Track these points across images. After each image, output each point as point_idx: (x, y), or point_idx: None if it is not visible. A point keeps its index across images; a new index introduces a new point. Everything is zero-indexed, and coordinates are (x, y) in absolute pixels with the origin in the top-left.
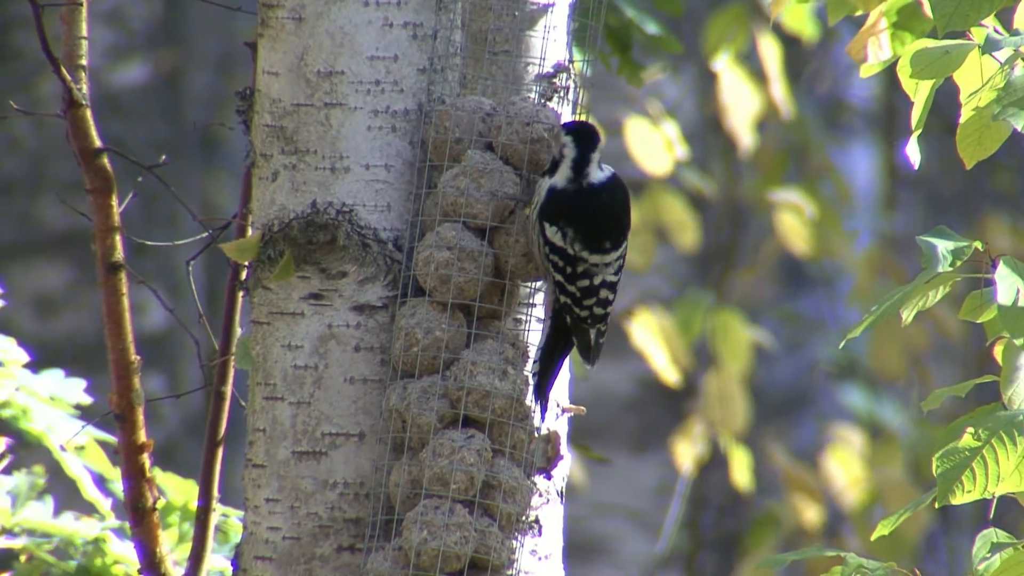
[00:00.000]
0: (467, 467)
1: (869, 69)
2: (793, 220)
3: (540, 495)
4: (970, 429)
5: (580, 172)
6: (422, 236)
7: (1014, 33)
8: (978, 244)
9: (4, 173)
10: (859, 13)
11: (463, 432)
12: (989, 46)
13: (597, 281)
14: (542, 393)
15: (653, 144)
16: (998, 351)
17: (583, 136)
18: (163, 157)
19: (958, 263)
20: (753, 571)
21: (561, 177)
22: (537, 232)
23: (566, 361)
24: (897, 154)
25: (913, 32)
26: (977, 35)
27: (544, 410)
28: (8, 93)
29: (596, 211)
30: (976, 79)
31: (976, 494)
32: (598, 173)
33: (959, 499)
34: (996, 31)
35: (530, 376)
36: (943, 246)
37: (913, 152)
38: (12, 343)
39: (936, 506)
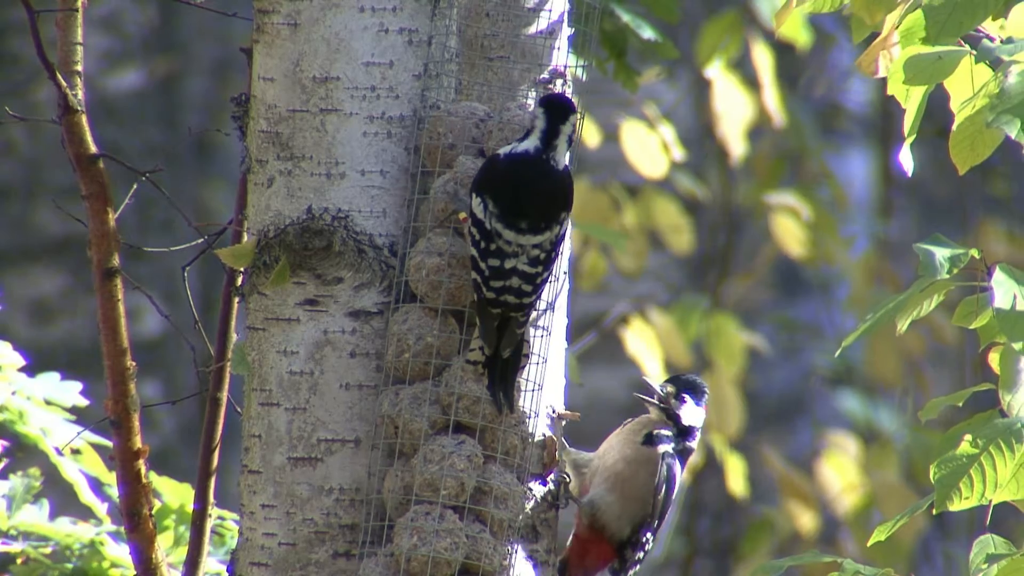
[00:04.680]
0: (457, 473)
1: (895, 86)
2: (789, 223)
3: (535, 500)
4: (968, 437)
5: (548, 145)
6: (415, 242)
7: (1008, 41)
8: (974, 252)
9: (0, 179)
10: (871, 26)
11: (454, 438)
12: (983, 54)
13: (508, 265)
14: (495, 385)
15: (649, 147)
16: (993, 357)
17: (554, 108)
18: (158, 163)
19: (955, 271)
20: None
21: (516, 147)
22: (468, 205)
23: (560, 367)
24: (893, 160)
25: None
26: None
27: (497, 403)
28: (3, 99)
29: (519, 183)
30: (967, 86)
31: (973, 501)
32: (560, 157)
33: (957, 506)
34: (989, 38)
35: (485, 372)
36: (940, 254)
37: (906, 159)
38: (8, 347)
39: (934, 512)
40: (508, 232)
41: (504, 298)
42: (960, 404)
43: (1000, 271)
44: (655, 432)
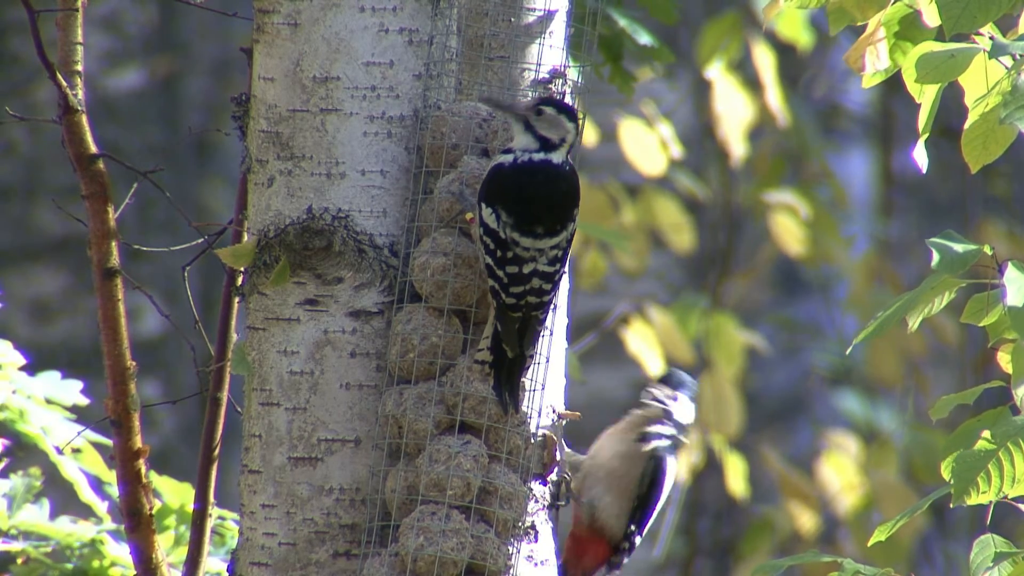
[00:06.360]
0: (463, 473)
1: (871, 79)
2: (788, 221)
3: (536, 500)
4: (986, 433)
5: (570, 155)
6: (418, 242)
7: (1021, 37)
8: (987, 249)
9: (0, 179)
10: (860, 23)
11: (459, 438)
12: (996, 50)
13: (527, 270)
14: (501, 386)
15: (648, 146)
16: (1002, 355)
17: (578, 123)
18: (158, 163)
19: (967, 268)
20: None
21: (527, 155)
22: (477, 213)
23: (562, 366)
24: (894, 159)
25: (912, 42)
26: (980, 41)
27: (503, 403)
28: (4, 98)
29: (532, 191)
30: (981, 83)
31: (991, 495)
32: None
33: (974, 500)
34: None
35: (492, 372)
36: (955, 250)
37: (920, 155)
38: (8, 346)
39: (951, 505)
40: (525, 239)
41: (525, 300)
42: (971, 403)
43: (1012, 268)
44: (649, 430)
